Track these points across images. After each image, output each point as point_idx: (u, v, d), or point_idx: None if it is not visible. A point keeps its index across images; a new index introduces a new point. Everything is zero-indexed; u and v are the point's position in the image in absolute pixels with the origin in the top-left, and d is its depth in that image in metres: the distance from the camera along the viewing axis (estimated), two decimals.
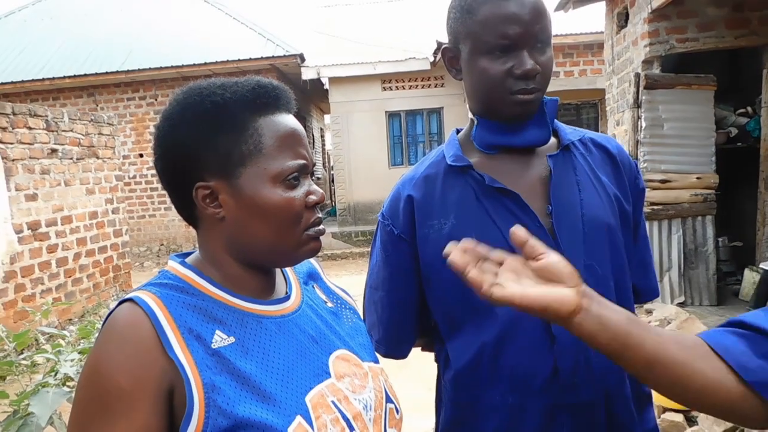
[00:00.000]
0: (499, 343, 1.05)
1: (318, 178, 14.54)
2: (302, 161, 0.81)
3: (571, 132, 1.16)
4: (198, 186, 0.79)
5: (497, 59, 1.02)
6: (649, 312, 4.29)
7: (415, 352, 1.30)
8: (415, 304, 1.18)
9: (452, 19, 1.09)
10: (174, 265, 0.83)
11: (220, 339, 0.76)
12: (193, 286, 0.80)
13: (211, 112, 0.78)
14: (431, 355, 1.28)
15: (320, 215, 0.85)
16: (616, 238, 1.09)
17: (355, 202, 11.33)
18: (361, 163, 11.19)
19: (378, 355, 0.99)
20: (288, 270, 0.94)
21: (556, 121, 1.15)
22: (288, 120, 0.82)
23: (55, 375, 1.71)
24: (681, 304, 4.41)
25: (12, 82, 10.63)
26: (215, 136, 0.78)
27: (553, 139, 1.14)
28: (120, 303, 0.76)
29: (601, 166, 1.14)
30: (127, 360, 0.71)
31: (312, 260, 1.02)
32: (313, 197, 0.82)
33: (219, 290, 0.81)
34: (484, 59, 1.03)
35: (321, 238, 0.85)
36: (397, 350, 1.23)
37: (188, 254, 0.87)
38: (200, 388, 0.71)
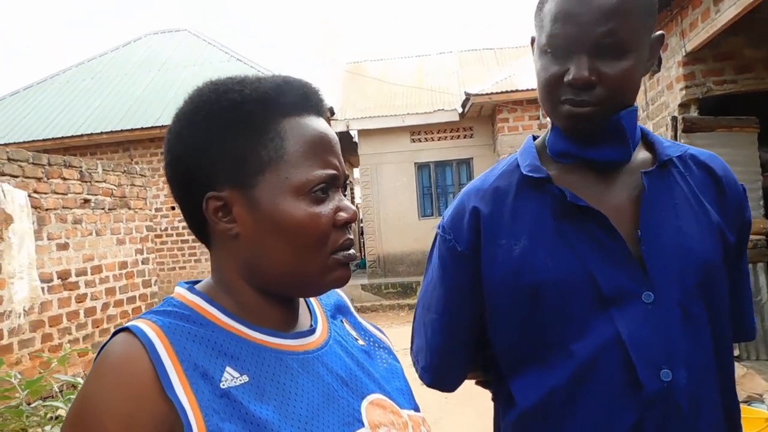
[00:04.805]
0: (572, 388, 0.88)
1: None
2: (332, 171, 0.70)
3: (670, 146, 0.99)
4: (209, 197, 0.68)
5: (554, 61, 0.89)
6: None
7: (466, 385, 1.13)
8: (472, 331, 1.02)
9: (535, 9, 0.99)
10: (181, 291, 0.71)
11: (230, 377, 0.64)
12: (201, 314, 0.68)
13: (226, 112, 0.68)
14: (487, 392, 1.11)
15: (350, 236, 0.72)
16: (716, 276, 0.92)
17: (385, 253, 11.19)
18: (390, 214, 11.13)
19: (417, 396, 0.84)
20: (313, 300, 0.82)
21: (652, 133, 1.00)
22: (317, 123, 0.71)
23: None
24: (736, 358, 4.10)
25: (52, 139, 11.02)
26: (230, 139, 0.67)
27: (647, 154, 0.98)
28: (116, 333, 0.65)
29: (704, 189, 0.97)
30: (118, 402, 0.59)
31: (340, 292, 0.90)
32: (343, 214, 0.70)
33: (232, 320, 0.69)
34: (542, 58, 0.92)
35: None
36: (444, 381, 1.07)
37: (200, 281, 0.76)
38: None
